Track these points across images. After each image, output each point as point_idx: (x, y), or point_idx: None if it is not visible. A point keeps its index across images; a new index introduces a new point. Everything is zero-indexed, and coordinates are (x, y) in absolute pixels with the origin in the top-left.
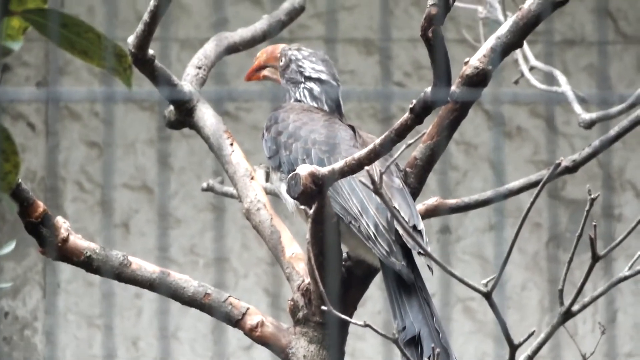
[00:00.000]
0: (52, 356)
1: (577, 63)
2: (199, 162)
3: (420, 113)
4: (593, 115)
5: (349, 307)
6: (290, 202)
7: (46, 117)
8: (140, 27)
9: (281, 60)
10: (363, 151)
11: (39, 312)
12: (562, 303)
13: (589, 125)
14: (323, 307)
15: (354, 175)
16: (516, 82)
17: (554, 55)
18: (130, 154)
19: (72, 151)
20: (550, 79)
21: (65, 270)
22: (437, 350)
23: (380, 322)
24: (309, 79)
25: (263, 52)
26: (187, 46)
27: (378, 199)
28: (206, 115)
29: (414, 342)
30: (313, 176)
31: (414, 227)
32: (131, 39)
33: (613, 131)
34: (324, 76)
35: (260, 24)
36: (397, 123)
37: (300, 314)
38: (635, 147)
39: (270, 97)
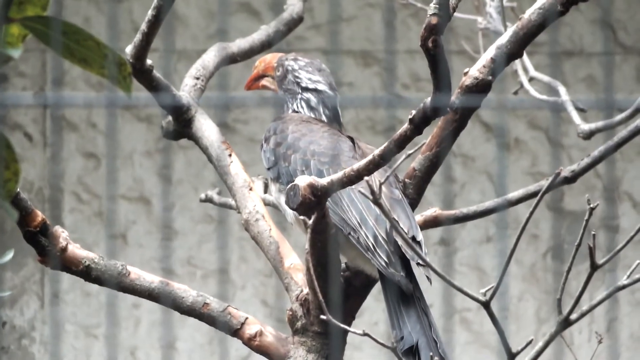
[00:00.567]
0: None
1: (576, 74)
2: (196, 173)
3: (419, 124)
4: (592, 125)
5: (348, 317)
6: (289, 213)
7: (43, 127)
8: (138, 37)
9: (278, 71)
10: (362, 162)
11: (36, 321)
12: (560, 311)
13: (588, 135)
14: (322, 317)
15: (354, 187)
16: (515, 93)
17: (553, 67)
18: (128, 166)
19: (70, 162)
20: (550, 90)
21: (63, 280)
22: (436, 359)
23: (378, 333)
24: (305, 89)
25: (261, 62)
26: (184, 57)
27: (377, 210)
28: (204, 125)
29: (412, 352)
30: (312, 187)
31: (413, 238)
32: (129, 49)
33: (612, 141)
34: (320, 86)
35: (259, 35)
36: (397, 134)
37: (299, 324)
38: (633, 158)
39: (272, 103)
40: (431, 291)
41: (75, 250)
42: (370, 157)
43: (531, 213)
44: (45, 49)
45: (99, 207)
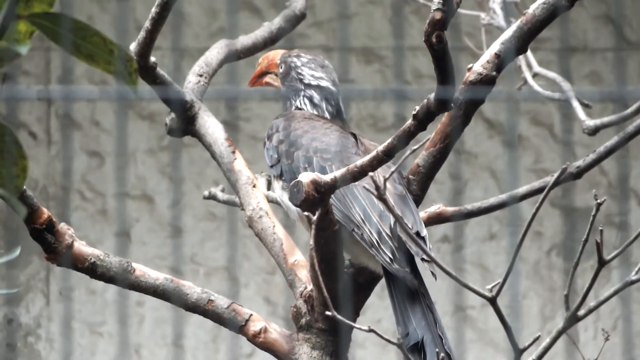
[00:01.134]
0: None
1: (580, 70)
2: (199, 171)
3: (423, 120)
4: (597, 121)
5: (352, 314)
6: (292, 210)
7: (48, 126)
8: (142, 34)
9: (281, 68)
10: (365, 158)
11: (42, 319)
12: (567, 308)
13: (594, 131)
14: (327, 313)
15: (357, 183)
16: (519, 89)
17: (556, 63)
18: (131, 164)
19: (73, 160)
20: (554, 86)
21: (68, 277)
22: (442, 355)
23: (381, 330)
24: (308, 86)
25: (264, 58)
26: (186, 55)
27: (381, 206)
28: (208, 123)
29: (417, 349)
30: (315, 184)
31: (417, 234)
32: (133, 47)
33: (618, 137)
34: (323, 82)
35: (261, 32)
36: (400, 130)
37: (303, 321)
38: (638, 155)
39: (276, 100)
40: (434, 289)
41: (81, 247)
42: (374, 153)
43: (537, 209)
44: (49, 47)
45: (103, 205)
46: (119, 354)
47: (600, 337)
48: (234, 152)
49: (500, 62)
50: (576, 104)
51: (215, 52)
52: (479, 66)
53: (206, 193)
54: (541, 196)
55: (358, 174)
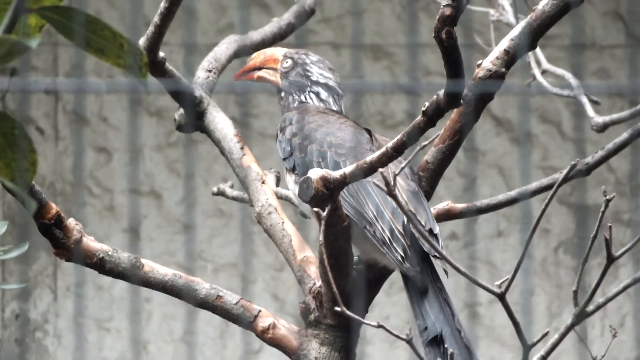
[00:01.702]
0: (63, 359)
1: (588, 67)
2: (207, 167)
3: (432, 116)
4: (606, 118)
5: (361, 310)
6: (305, 205)
7: (55, 121)
8: (150, 29)
9: (286, 62)
10: (375, 154)
11: (49, 314)
12: (576, 304)
13: (602, 128)
14: (336, 309)
15: (371, 179)
16: (528, 86)
17: (564, 60)
18: (139, 160)
19: (81, 156)
20: (562, 83)
21: (76, 273)
22: (451, 351)
23: (389, 327)
24: (316, 83)
25: (260, 54)
26: (195, 51)
27: (394, 203)
28: (217, 118)
29: (436, 342)
30: (324, 180)
31: (430, 231)
32: (142, 42)
33: (627, 134)
34: (331, 82)
35: (270, 27)
36: (410, 126)
37: (312, 317)
38: None
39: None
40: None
41: (90, 242)
42: (383, 149)
43: (546, 205)
44: (57, 42)
45: (111, 201)
46: (127, 349)
47: (608, 334)
48: (243, 148)
49: (509, 59)
50: (585, 101)
51: (224, 47)
52: (488, 62)
53: (215, 189)
54: (550, 193)
55: (368, 170)
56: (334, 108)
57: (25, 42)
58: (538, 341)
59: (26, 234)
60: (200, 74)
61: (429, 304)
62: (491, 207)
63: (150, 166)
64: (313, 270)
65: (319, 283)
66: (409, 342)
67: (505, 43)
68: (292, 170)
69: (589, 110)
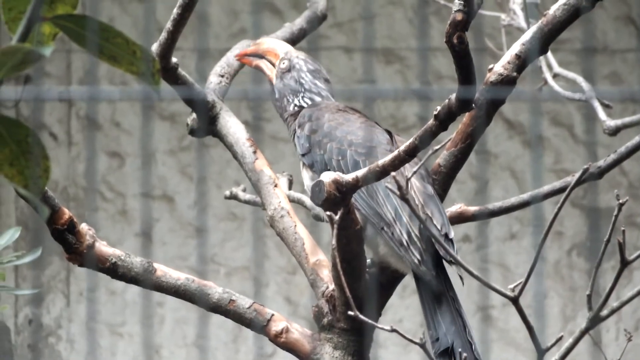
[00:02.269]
0: None
1: (600, 71)
2: (219, 171)
3: (444, 120)
4: (618, 121)
5: (374, 313)
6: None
7: (68, 127)
8: (163, 35)
9: (283, 63)
10: (387, 158)
11: (62, 319)
12: (590, 308)
13: (614, 131)
14: (350, 313)
15: (390, 180)
16: (540, 89)
17: (576, 64)
18: (152, 164)
19: (94, 161)
20: (574, 87)
21: (89, 278)
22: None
23: (403, 331)
24: (309, 91)
25: (264, 42)
26: (207, 56)
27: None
28: (229, 123)
29: (448, 354)
30: (337, 183)
31: (446, 236)
32: (155, 47)
33: (639, 137)
34: (323, 93)
35: (282, 32)
36: (422, 130)
37: (325, 320)
38: None
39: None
40: (456, 289)
41: (102, 247)
42: (395, 152)
43: (559, 209)
44: (70, 49)
45: (123, 205)
46: (139, 354)
47: (623, 338)
48: (255, 152)
49: (520, 63)
50: (597, 104)
51: (237, 52)
52: (500, 67)
53: (227, 193)
54: (563, 196)
55: (380, 174)
56: None
57: (38, 51)
58: (552, 345)
59: (39, 239)
60: (213, 79)
61: (442, 314)
62: (504, 210)
63: (163, 170)
64: (326, 274)
65: (331, 286)
66: (422, 345)
67: (516, 47)
68: (311, 167)
69: (601, 113)
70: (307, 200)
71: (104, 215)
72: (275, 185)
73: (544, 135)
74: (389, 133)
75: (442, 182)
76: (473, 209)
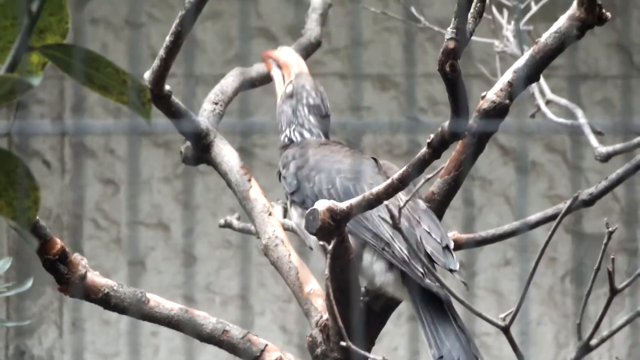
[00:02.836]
0: None
1: (592, 97)
2: (214, 199)
3: (438, 148)
4: (610, 148)
5: (367, 343)
6: (311, 238)
7: (62, 154)
8: (156, 62)
9: (288, 87)
10: (381, 186)
11: (55, 350)
12: (580, 337)
13: (606, 158)
14: (342, 343)
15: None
16: (532, 116)
17: (567, 90)
18: (146, 192)
19: (87, 189)
20: (567, 113)
21: (81, 308)
22: None
23: (397, 359)
24: (300, 125)
25: (284, 55)
26: (201, 82)
27: (406, 223)
28: (224, 151)
29: None
30: (331, 211)
31: (446, 247)
32: (147, 75)
33: (630, 164)
34: (315, 130)
35: None
36: (415, 158)
37: (319, 350)
38: None
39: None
40: None
41: (95, 277)
42: (389, 180)
43: (550, 236)
44: (63, 76)
45: (118, 233)
46: None
47: None
48: (249, 180)
49: (513, 90)
50: (588, 131)
51: (231, 80)
52: (493, 94)
53: (222, 221)
54: (554, 223)
55: (374, 202)
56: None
57: (27, 81)
58: None
59: (31, 268)
60: (207, 106)
61: (444, 331)
62: (496, 237)
63: (157, 198)
64: (320, 303)
65: (325, 316)
66: None
67: (508, 75)
68: (302, 204)
69: (593, 140)
70: (300, 231)
71: (97, 244)
72: (270, 214)
73: (538, 161)
74: (374, 159)
75: (436, 209)
76: (467, 236)
